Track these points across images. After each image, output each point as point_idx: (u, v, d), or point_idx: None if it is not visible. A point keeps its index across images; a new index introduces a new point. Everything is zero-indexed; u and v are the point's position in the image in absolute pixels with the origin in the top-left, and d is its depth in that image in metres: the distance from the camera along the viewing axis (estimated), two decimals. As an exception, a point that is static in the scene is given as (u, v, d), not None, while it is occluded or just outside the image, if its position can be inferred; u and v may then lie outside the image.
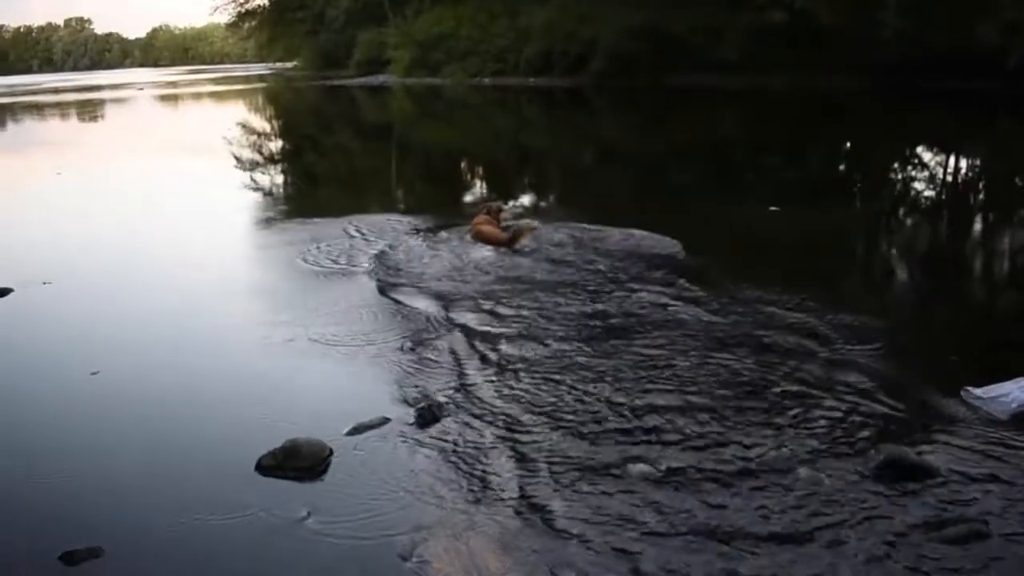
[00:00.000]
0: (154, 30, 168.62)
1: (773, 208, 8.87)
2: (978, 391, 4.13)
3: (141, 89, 53.26)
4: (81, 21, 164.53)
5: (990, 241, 7.72)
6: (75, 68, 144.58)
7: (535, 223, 7.85)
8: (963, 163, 13.81)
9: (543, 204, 10.70)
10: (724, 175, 12.03)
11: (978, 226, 8.62)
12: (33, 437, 4.31)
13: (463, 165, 15.36)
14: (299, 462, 3.72)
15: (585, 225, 8.02)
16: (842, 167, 13.90)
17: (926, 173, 12.75)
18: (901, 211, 9.50)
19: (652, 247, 7.23)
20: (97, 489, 3.72)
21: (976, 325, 5.31)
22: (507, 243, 7.41)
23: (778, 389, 4.37)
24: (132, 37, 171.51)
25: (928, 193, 10.93)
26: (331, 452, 3.81)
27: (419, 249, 7.61)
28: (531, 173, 13.38)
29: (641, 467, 3.60)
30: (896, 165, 13.75)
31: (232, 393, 4.62)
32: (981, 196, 10.88)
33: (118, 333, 5.75)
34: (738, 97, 25.16)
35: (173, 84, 60.23)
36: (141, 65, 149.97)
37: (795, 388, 4.37)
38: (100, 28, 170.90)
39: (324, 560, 3.11)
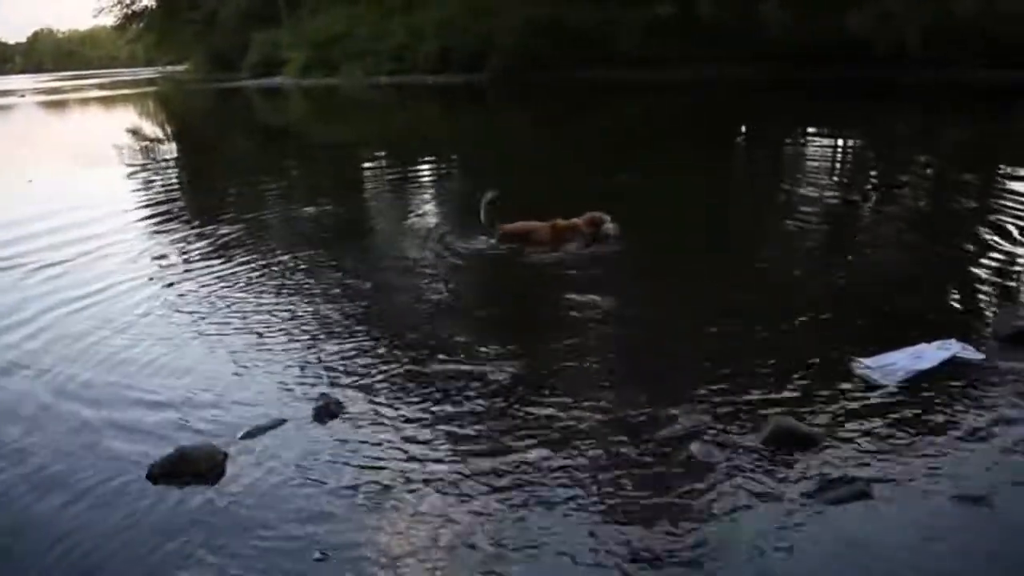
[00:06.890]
0: (35, 34, 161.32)
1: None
2: (867, 360, 4.30)
3: (23, 96, 50.77)
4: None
5: (876, 216, 8.00)
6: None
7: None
8: (847, 144, 14.33)
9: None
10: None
11: (863, 201, 8.89)
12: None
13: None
14: (192, 468, 3.60)
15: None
16: (718, 151, 14.17)
17: (810, 152, 13.22)
18: (782, 188, 9.72)
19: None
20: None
21: (865, 298, 5.49)
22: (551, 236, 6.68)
23: (669, 366, 4.46)
24: (12, 42, 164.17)
25: (811, 169, 11.23)
26: (225, 456, 3.70)
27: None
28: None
29: (539, 450, 3.63)
30: (785, 149, 14.20)
31: (122, 403, 4.41)
32: (865, 174, 11.25)
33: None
34: (631, 91, 25.62)
35: (57, 91, 57.53)
36: (23, 71, 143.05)
37: (686, 364, 4.48)
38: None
39: (224, 562, 3.02)
